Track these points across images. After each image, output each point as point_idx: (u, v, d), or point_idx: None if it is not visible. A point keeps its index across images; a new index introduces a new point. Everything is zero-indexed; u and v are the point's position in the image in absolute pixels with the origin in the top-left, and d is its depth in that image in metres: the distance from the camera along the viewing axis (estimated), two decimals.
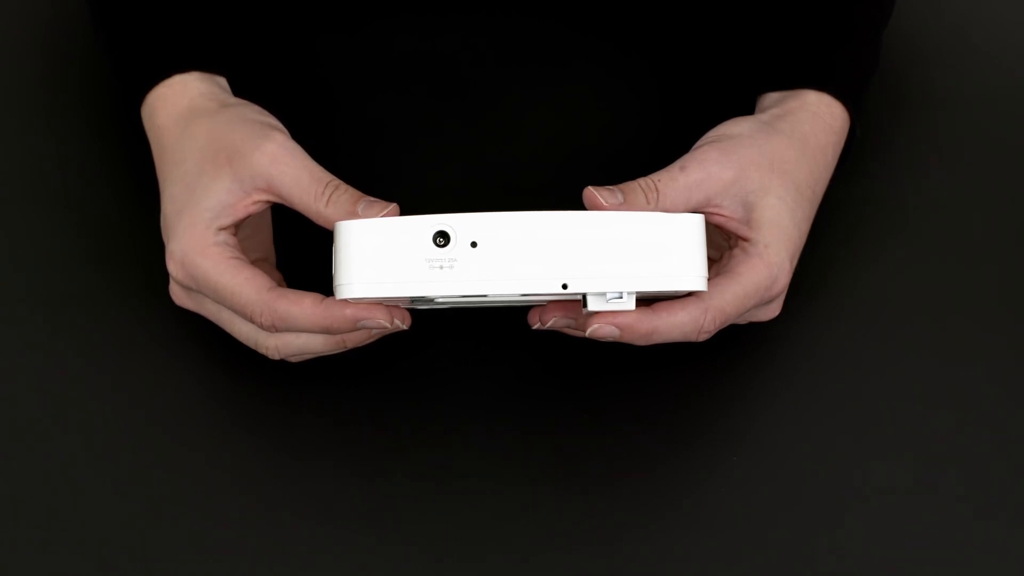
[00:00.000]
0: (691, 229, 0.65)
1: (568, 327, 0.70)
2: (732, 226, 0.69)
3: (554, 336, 0.72)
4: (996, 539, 0.69)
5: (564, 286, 0.64)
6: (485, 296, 0.64)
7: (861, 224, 0.79)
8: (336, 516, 0.69)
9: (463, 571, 0.68)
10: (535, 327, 0.70)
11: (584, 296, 0.65)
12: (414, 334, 0.71)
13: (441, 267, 0.63)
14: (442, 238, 0.64)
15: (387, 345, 0.73)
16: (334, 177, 0.69)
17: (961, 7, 0.88)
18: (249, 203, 0.70)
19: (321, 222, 0.68)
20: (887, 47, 0.79)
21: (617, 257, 0.64)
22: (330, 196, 0.68)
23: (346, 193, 0.68)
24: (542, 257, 0.63)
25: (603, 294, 0.65)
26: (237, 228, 0.71)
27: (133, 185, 0.79)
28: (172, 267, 0.70)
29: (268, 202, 0.70)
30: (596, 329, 0.66)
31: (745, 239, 0.69)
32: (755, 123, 0.72)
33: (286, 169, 0.69)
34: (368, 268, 0.64)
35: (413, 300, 0.67)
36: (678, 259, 0.64)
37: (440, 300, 0.67)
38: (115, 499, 0.70)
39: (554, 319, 0.69)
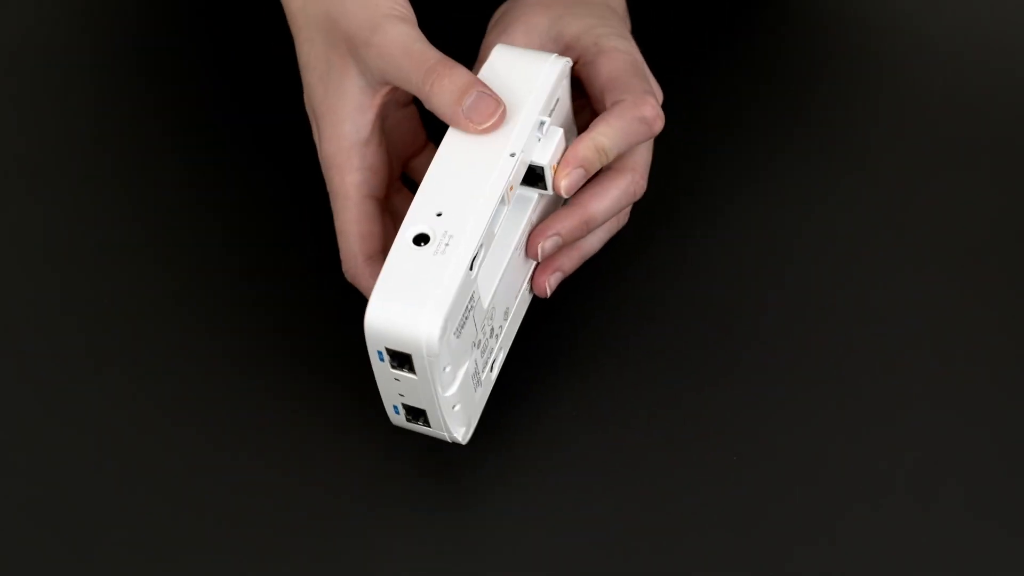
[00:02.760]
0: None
1: (556, 246, 0.69)
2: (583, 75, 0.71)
3: (553, 336, 0.73)
4: (997, 539, 0.69)
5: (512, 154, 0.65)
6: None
7: (860, 224, 0.79)
8: (336, 516, 0.69)
9: (463, 571, 0.68)
10: (539, 260, 0.70)
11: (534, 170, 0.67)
12: None
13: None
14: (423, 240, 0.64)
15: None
16: (436, 60, 0.66)
17: (961, 7, 0.88)
18: (380, 97, 0.69)
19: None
20: (886, 47, 0.79)
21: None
22: (432, 84, 0.66)
23: (449, 82, 0.65)
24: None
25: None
26: (382, 121, 0.70)
27: (133, 185, 0.79)
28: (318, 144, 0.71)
29: (396, 88, 0.69)
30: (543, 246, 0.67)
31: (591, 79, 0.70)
32: None
33: (391, 61, 0.67)
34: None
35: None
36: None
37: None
38: (114, 499, 0.70)
39: (541, 244, 0.69)
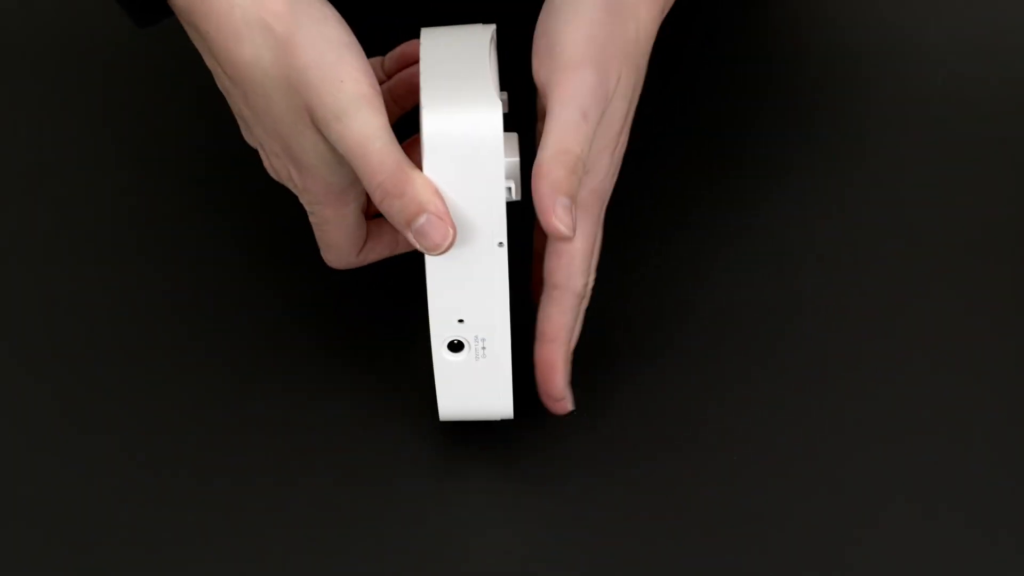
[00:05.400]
0: None
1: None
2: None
3: None
4: (997, 539, 0.69)
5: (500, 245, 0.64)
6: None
7: (861, 224, 0.79)
8: (335, 516, 0.69)
9: (462, 571, 0.68)
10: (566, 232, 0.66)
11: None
12: (414, 334, 0.71)
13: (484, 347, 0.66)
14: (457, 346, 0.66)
15: (386, 344, 0.73)
16: (388, 174, 0.63)
17: (961, 7, 0.88)
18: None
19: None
20: (885, 46, 0.79)
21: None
22: (382, 202, 0.63)
23: (400, 204, 0.62)
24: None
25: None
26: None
27: (133, 184, 0.79)
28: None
29: None
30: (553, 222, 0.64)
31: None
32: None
33: (349, 155, 0.63)
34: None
35: None
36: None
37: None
38: (113, 500, 0.70)
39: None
